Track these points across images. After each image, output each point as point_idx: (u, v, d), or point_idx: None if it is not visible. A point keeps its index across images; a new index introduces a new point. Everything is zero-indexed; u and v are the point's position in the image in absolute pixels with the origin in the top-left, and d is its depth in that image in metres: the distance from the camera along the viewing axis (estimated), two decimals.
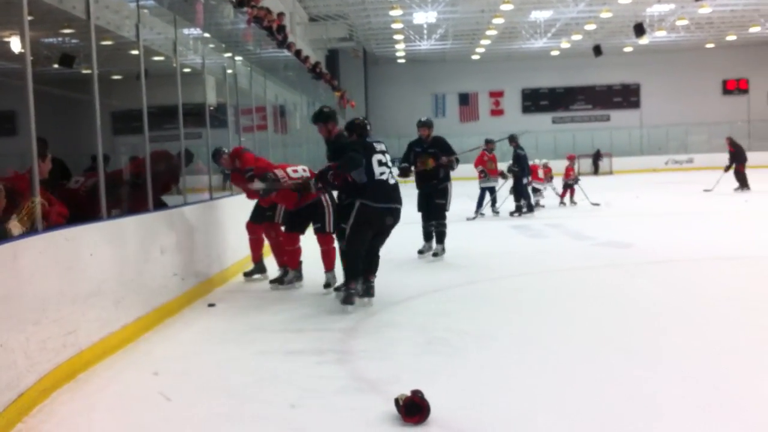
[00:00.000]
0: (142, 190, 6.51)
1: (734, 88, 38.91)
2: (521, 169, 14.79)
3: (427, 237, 9.64)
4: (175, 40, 7.58)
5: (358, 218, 6.41)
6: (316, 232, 7.52)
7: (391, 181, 6.56)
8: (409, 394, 3.79)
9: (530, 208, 15.00)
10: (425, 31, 31.34)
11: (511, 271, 8.37)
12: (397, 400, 3.79)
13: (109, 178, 5.94)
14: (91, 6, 5.51)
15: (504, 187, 15.57)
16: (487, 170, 14.70)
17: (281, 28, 16.47)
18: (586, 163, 32.76)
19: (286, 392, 4.30)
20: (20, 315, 4.08)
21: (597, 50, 29.11)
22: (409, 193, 7.96)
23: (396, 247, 7.80)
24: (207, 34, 9.94)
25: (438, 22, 29.75)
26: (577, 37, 32.63)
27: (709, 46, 36.74)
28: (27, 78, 4.49)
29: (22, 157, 5.25)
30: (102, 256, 5.23)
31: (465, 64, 38.50)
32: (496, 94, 39.82)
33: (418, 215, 9.55)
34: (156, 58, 7.96)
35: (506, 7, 25.40)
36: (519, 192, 14.94)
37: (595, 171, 33.78)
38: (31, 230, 4.37)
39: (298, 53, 18.82)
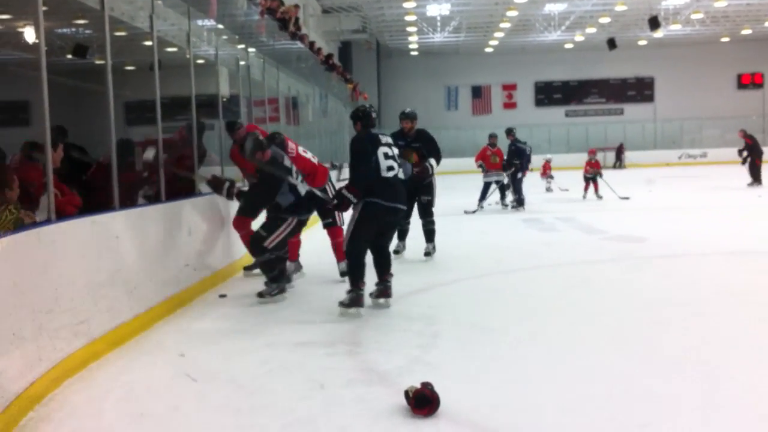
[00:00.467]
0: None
1: (749, 82, 38.67)
2: (520, 162, 14.71)
3: (402, 235, 9.07)
4: (189, 31, 7.59)
5: (362, 216, 6.07)
6: (326, 226, 7.80)
7: (400, 176, 6.25)
8: (418, 386, 3.79)
9: (520, 203, 14.91)
10: (438, 24, 31.26)
11: (521, 264, 8.36)
12: (406, 392, 3.80)
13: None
14: None
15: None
16: (489, 164, 14.66)
17: (295, 21, 16.45)
18: (608, 157, 32.68)
19: (296, 384, 4.32)
20: (33, 304, 4.12)
21: (611, 43, 28.90)
22: None
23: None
24: (220, 26, 9.96)
25: (451, 15, 29.68)
26: (591, 30, 32.48)
27: (724, 39, 36.46)
28: (41, 68, 4.51)
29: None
30: (114, 246, 5.26)
31: (478, 56, 38.40)
32: (509, 87, 39.69)
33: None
34: (169, 49, 7.99)
35: None
36: (514, 186, 14.88)
37: (619, 164, 33.60)
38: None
39: (311, 45, 18.79)
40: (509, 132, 15.14)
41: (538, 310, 6.10)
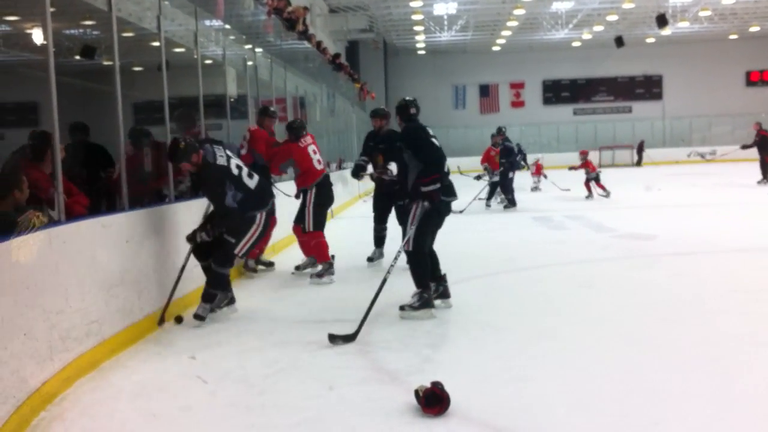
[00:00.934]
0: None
1: (758, 79, 38.50)
2: (509, 162, 14.66)
3: (379, 242, 8.54)
4: (196, 31, 7.59)
5: (428, 213, 5.78)
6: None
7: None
8: (429, 385, 3.79)
9: (512, 203, 14.87)
10: (446, 22, 31.24)
11: (531, 262, 8.34)
12: (417, 391, 3.79)
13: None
14: None
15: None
16: (494, 165, 14.64)
17: (302, 20, 16.46)
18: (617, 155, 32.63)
19: (306, 383, 4.32)
20: (44, 304, 4.13)
21: (619, 41, 28.88)
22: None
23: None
24: (228, 26, 9.98)
25: (458, 13, 29.66)
26: (598, 28, 32.41)
27: (733, 37, 36.35)
28: (49, 69, 4.53)
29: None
30: (124, 247, 5.27)
31: (485, 55, 38.37)
32: (517, 86, 39.66)
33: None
34: (177, 50, 7.99)
35: None
36: (504, 186, 14.84)
37: (639, 162, 33.51)
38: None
39: (318, 45, 18.81)
40: (499, 131, 15.10)
41: (549, 309, 6.08)
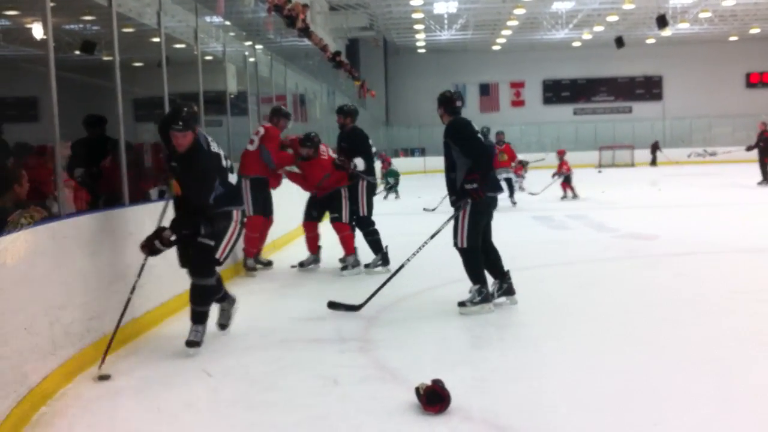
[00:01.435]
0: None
1: (758, 81, 38.48)
2: None
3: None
4: (197, 27, 7.59)
5: (477, 209, 5.75)
6: (333, 221, 7.88)
7: None
8: (430, 383, 3.78)
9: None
10: (446, 21, 31.19)
11: (532, 262, 8.31)
12: (417, 390, 3.78)
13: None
14: None
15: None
16: (497, 162, 14.57)
17: (302, 18, 16.44)
18: (617, 155, 32.55)
19: (309, 380, 4.31)
20: (46, 299, 4.12)
21: (619, 42, 28.81)
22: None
23: (416, 235, 7.72)
24: (228, 23, 9.97)
25: (459, 12, 29.61)
26: (599, 29, 32.36)
27: (733, 38, 36.30)
28: (49, 64, 4.52)
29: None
30: (125, 243, 5.25)
31: (486, 54, 38.31)
32: (517, 85, 39.60)
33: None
34: (177, 46, 7.99)
35: None
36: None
37: (653, 161, 33.39)
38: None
39: (318, 42, 18.79)
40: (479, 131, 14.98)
41: (550, 308, 6.08)
